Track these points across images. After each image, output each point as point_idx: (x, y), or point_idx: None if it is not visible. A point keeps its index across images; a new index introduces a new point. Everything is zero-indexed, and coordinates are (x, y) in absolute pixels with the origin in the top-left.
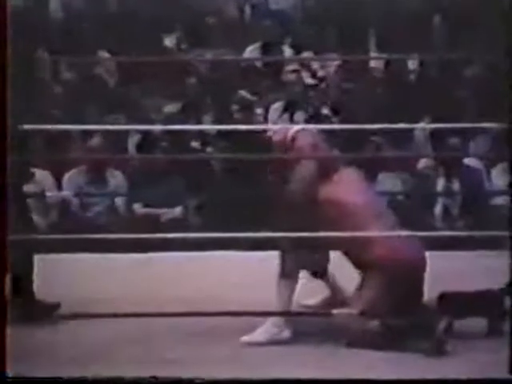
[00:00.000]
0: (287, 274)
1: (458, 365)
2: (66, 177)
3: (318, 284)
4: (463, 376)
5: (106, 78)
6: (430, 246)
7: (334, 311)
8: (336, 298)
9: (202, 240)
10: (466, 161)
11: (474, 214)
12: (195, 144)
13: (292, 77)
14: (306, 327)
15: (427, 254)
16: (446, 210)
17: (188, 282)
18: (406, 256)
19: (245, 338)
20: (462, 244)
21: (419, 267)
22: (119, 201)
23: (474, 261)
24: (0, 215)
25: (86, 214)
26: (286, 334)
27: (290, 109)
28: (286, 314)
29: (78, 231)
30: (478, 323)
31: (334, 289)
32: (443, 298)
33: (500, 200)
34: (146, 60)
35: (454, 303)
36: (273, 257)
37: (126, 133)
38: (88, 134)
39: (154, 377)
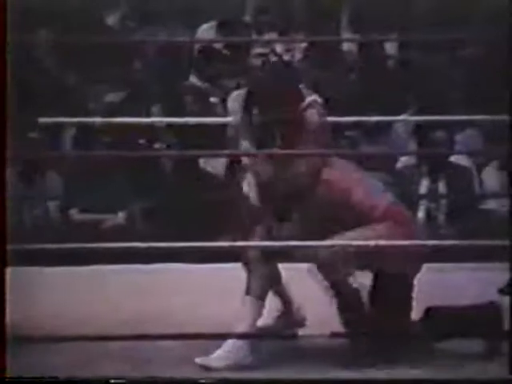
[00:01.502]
0: (255, 291)
1: None
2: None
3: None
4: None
5: (40, 61)
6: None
7: (300, 333)
8: (290, 316)
9: (149, 251)
10: (454, 159)
11: (462, 219)
12: (141, 139)
13: (257, 62)
14: (271, 350)
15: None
16: (430, 215)
17: (132, 299)
18: None
19: (201, 361)
20: (449, 254)
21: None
22: (53, 205)
23: (464, 274)
24: None
25: (13, 220)
26: (249, 358)
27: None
28: (247, 336)
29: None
30: (472, 342)
31: (288, 306)
32: (430, 312)
33: (492, 204)
34: (84, 40)
35: (443, 319)
36: (233, 270)
37: (60, 126)
38: (22, 126)
39: (154, 377)
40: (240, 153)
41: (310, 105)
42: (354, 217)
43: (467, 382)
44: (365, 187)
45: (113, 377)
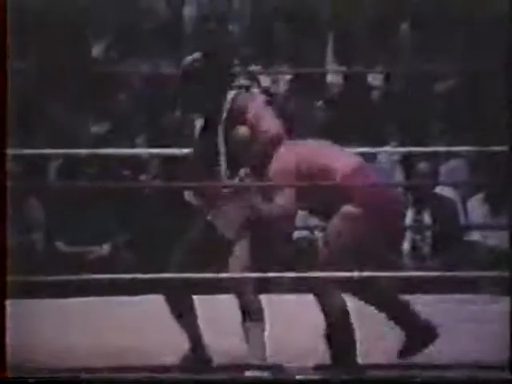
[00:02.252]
0: (254, 315)
1: None
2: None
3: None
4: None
5: (24, 92)
6: (396, 288)
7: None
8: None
9: (134, 282)
10: (439, 190)
11: (447, 251)
12: (126, 170)
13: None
14: None
15: None
16: (415, 247)
17: (118, 331)
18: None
19: None
20: (434, 286)
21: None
22: (38, 236)
23: (451, 306)
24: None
25: None
26: None
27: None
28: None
29: None
30: None
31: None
32: None
33: (477, 236)
34: (70, 71)
35: None
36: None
37: (46, 157)
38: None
39: (154, 377)
40: (221, 183)
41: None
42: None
43: (467, 382)
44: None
45: (112, 377)
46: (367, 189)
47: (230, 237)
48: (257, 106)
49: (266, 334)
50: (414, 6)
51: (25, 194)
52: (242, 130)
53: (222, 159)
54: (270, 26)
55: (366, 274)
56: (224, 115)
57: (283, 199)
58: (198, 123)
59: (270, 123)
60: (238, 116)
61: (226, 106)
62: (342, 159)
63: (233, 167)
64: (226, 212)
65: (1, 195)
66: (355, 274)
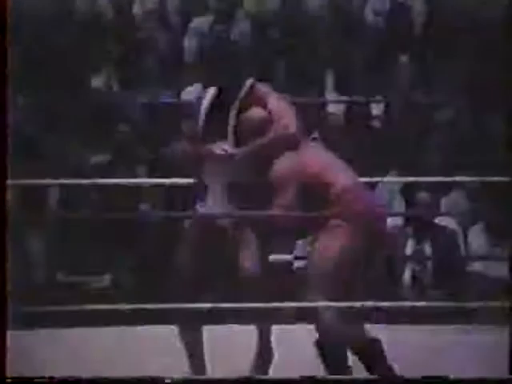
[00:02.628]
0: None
1: None
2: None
3: None
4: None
5: (24, 124)
6: (397, 319)
7: None
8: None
9: (135, 312)
10: (439, 220)
11: (448, 282)
12: (128, 200)
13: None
14: None
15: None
16: (415, 277)
17: (121, 363)
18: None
19: None
20: (435, 317)
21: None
22: (38, 267)
23: (451, 337)
24: None
25: None
26: None
27: None
28: None
29: None
30: None
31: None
32: None
33: (478, 266)
34: (69, 103)
35: None
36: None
37: (46, 187)
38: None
39: (154, 377)
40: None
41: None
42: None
43: (467, 382)
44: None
45: (112, 377)
46: (356, 205)
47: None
48: (280, 100)
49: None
50: (413, 38)
51: (25, 225)
52: (258, 112)
53: (230, 133)
54: (271, 58)
55: (370, 304)
56: (241, 94)
57: (284, 201)
58: (210, 93)
59: (291, 121)
60: (256, 100)
61: (244, 87)
62: (342, 173)
63: (238, 144)
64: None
65: (1, 226)
66: (357, 303)
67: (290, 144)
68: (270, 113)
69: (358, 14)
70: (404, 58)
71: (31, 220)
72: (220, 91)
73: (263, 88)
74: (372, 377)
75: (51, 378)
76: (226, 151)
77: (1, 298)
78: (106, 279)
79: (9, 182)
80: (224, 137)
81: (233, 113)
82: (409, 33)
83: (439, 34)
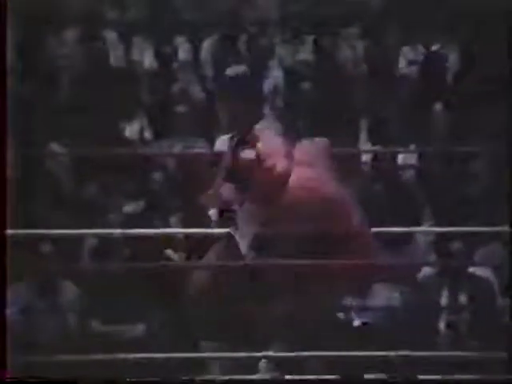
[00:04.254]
0: None
1: None
2: (10, 291)
3: None
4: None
5: (58, 175)
6: (435, 369)
7: None
8: None
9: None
10: (475, 270)
11: (485, 332)
12: (166, 252)
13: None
14: None
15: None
16: (451, 327)
17: None
18: None
19: None
20: (471, 367)
21: None
22: (72, 317)
23: None
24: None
25: (33, 332)
26: None
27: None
28: None
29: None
30: None
31: None
32: None
33: None
34: (103, 153)
35: None
36: None
37: (80, 238)
38: (37, 240)
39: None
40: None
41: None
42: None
43: (467, 382)
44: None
45: (113, 377)
46: None
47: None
48: (272, 138)
49: None
50: (448, 86)
51: (59, 275)
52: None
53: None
54: (304, 108)
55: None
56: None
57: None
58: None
59: (278, 159)
60: (252, 140)
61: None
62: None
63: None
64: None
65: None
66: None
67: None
68: (257, 154)
69: (392, 64)
70: (438, 107)
71: (65, 271)
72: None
73: (261, 126)
74: (375, 378)
75: (51, 378)
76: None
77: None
78: (140, 328)
79: (44, 231)
80: None
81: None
82: (443, 82)
83: (474, 82)
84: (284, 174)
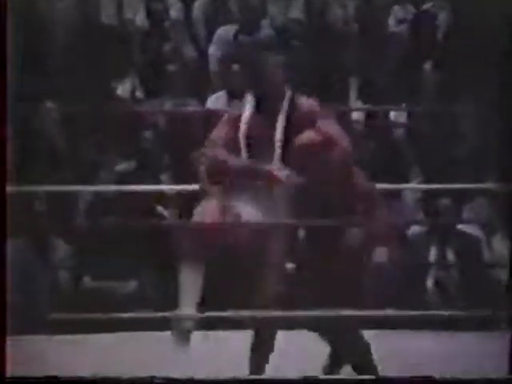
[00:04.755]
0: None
1: None
2: (8, 244)
3: None
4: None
5: (52, 133)
6: (421, 324)
7: None
8: None
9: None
10: (463, 227)
11: (472, 288)
12: (156, 208)
13: None
14: None
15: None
16: (439, 284)
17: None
18: None
19: None
20: (458, 323)
21: None
22: (64, 274)
23: (472, 342)
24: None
25: (26, 289)
26: None
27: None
28: None
29: (16, 310)
30: None
31: None
32: None
33: (503, 273)
34: (96, 111)
35: None
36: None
37: (73, 195)
38: (30, 196)
39: (153, 377)
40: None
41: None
42: None
43: (467, 382)
44: None
45: (112, 377)
46: None
47: None
48: (331, 123)
49: None
50: (438, 45)
51: (52, 232)
52: (313, 137)
53: (278, 146)
54: (294, 67)
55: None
56: (285, 107)
57: None
58: (249, 102)
59: (347, 146)
60: (303, 118)
61: (286, 100)
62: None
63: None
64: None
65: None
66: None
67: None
68: (324, 137)
69: (383, 23)
70: (428, 66)
71: (58, 228)
72: (259, 101)
73: (307, 104)
74: (374, 377)
75: (51, 378)
76: (289, 178)
77: (1, 299)
78: (132, 285)
79: (8, 188)
80: (266, 149)
81: (279, 129)
82: (433, 41)
83: (464, 41)
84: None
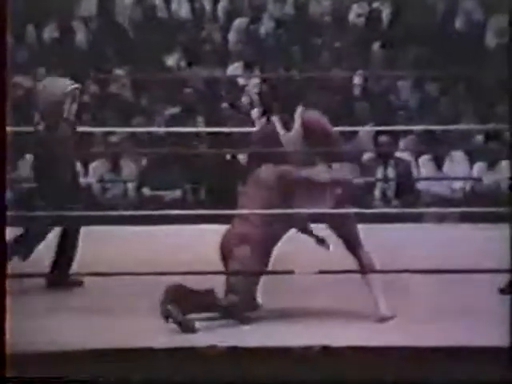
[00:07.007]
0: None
1: None
2: (91, 167)
3: None
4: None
5: (122, 91)
6: (369, 219)
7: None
8: None
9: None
10: (399, 154)
11: (404, 195)
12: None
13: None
14: None
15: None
16: (383, 193)
17: (187, 249)
18: None
19: None
20: (395, 218)
21: None
22: (131, 185)
23: (408, 232)
24: None
25: (105, 196)
26: None
27: None
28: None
29: (98, 209)
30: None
31: None
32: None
33: (424, 185)
34: (153, 77)
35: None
36: None
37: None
38: (108, 134)
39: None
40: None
41: None
42: None
43: (467, 382)
44: None
45: (114, 377)
46: None
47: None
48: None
49: None
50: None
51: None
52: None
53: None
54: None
55: (352, 210)
56: (298, 125)
57: None
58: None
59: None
60: (313, 131)
61: (298, 118)
62: None
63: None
64: None
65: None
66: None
67: None
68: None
69: (346, 16)
70: (376, 46)
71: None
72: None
73: (313, 116)
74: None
75: (51, 378)
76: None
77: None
78: (178, 193)
79: (114, 129)
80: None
81: (297, 142)
82: (380, 28)
83: (402, 28)
84: None
